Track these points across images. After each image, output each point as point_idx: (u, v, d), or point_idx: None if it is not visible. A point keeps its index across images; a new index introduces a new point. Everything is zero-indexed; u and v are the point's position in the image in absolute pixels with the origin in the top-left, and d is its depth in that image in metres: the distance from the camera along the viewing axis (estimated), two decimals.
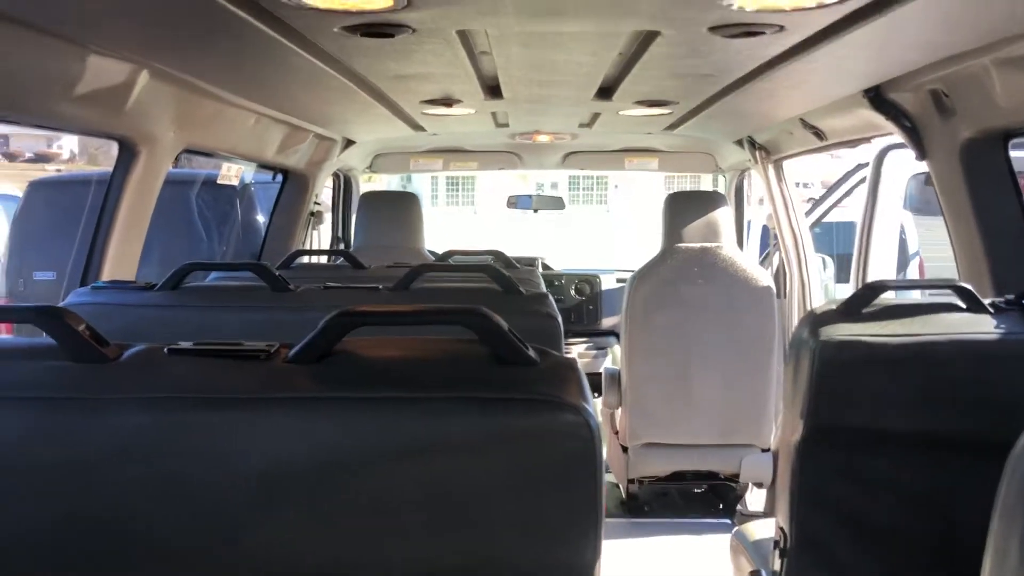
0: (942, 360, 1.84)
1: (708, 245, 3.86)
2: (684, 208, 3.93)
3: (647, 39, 1.95)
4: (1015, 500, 1.06)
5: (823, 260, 5.22)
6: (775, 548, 2.10)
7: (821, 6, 1.55)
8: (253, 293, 2.08)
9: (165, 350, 1.11)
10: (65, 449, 0.97)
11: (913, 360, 1.84)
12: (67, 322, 1.06)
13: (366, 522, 1.05)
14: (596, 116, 3.44)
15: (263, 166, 3.63)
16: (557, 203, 5.67)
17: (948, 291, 1.98)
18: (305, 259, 3.53)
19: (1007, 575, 0.99)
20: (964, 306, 1.91)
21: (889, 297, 1.98)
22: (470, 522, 1.07)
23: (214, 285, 2.29)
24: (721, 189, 5.18)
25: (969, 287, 1.91)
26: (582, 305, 5.07)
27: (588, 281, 5.11)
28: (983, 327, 1.86)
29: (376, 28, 1.73)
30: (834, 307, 1.94)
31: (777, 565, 2.00)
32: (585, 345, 4.97)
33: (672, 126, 3.61)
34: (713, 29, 1.75)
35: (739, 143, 4.04)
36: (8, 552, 0.97)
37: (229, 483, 1.03)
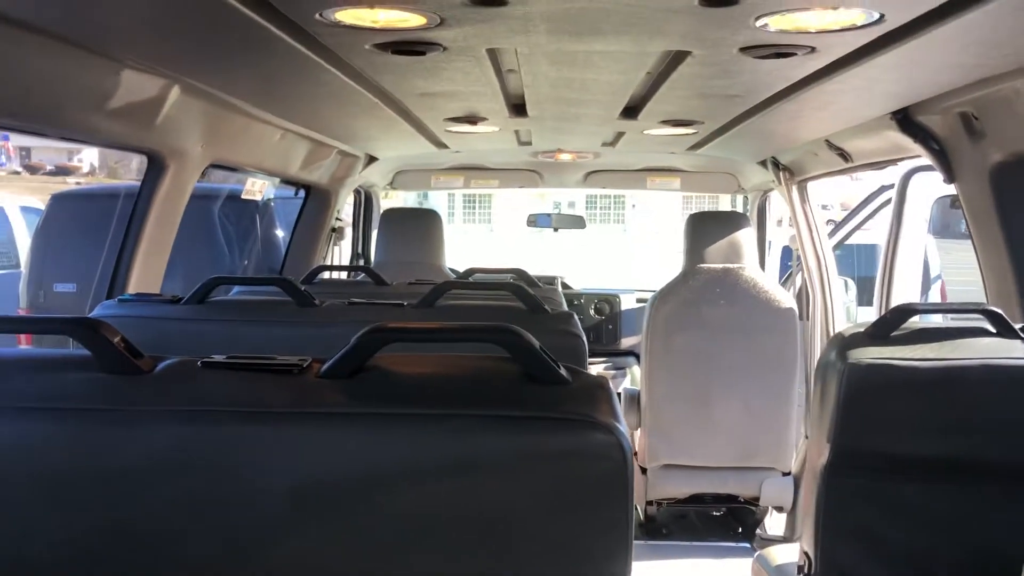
0: (972, 385, 1.82)
1: (730, 266, 3.85)
2: (706, 229, 3.92)
3: (677, 58, 1.95)
4: None
5: (845, 282, 5.18)
6: (799, 573, 2.07)
7: (853, 28, 1.55)
8: (278, 307, 2.09)
9: (198, 363, 1.11)
10: (101, 460, 0.97)
11: (943, 384, 1.82)
12: (103, 334, 1.07)
13: (397, 538, 1.04)
14: (620, 135, 3.44)
15: (287, 181, 3.65)
16: (578, 222, 5.67)
17: (977, 315, 1.96)
18: (327, 274, 3.55)
19: None
20: (994, 331, 1.89)
21: (915, 321, 1.96)
22: (500, 540, 1.07)
23: (240, 299, 2.30)
24: (740, 210, 5.17)
25: (999, 311, 1.89)
26: (601, 325, 5.06)
27: (608, 301, 5.09)
28: (1014, 352, 1.84)
29: (408, 46, 1.73)
30: (862, 330, 1.92)
31: None
32: (604, 365, 4.95)
33: (696, 146, 3.60)
34: (744, 50, 1.75)
35: (763, 164, 4.02)
36: (41, 560, 0.97)
37: (262, 496, 1.03)
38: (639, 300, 5.07)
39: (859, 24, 1.52)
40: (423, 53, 1.78)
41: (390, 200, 6.16)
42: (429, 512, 1.06)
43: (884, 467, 1.89)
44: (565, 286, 5.33)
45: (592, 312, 5.08)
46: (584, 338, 2.05)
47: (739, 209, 5.34)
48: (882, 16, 1.47)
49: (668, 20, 1.51)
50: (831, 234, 4.93)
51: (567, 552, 1.06)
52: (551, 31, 1.62)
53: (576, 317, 2.09)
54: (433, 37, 1.67)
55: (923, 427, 1.85)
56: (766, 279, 3.88)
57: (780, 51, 1.73)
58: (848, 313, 4.88)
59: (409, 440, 1.06)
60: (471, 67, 2.01)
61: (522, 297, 2.11)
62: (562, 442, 1.06)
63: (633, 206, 39.94)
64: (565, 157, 4.27)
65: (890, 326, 1.89)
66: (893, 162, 3.03)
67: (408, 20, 1.54)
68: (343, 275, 3.97)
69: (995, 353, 1.84)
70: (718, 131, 3.12)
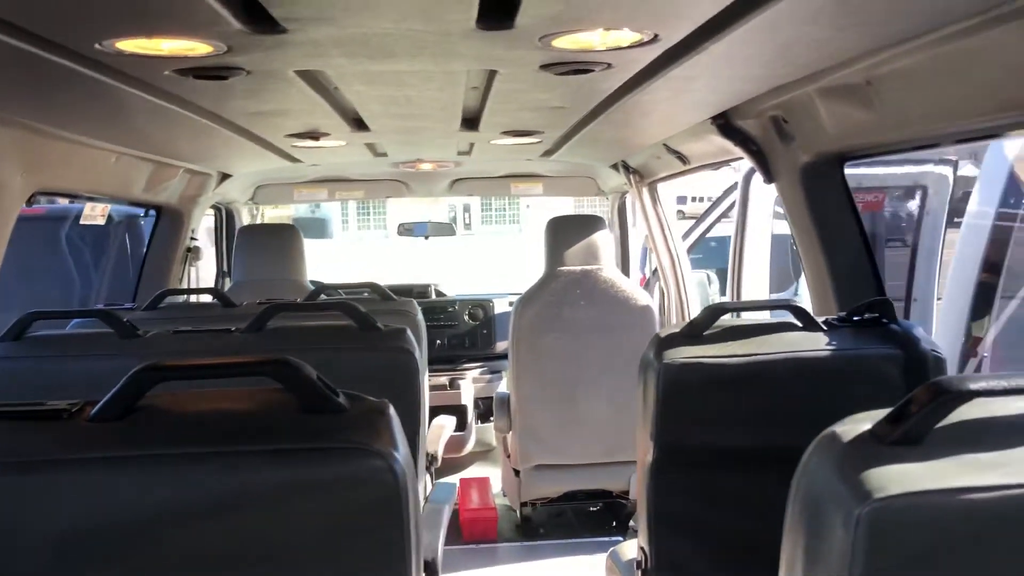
0: (778, 378, 1.92)
1: (589, 268, 3.94)
2: (565, 232, 4.00)
3: (491, 75, 1.98)
4: (799, 516, 1.12)
5: (707, 276, 5.38)
6: (638, 568, 2.15)
7: (640, 44, 1.61)
8: (100, 341, 2.03)
9: None
10: None
11: (751, 379, 1.92)
12: None
13: None
14: (472, 145, 3.47)
15: (133, 203, 3.54)
16: (448, 229, 5.72)
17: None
18: (181, 298, 3.46)
19: None
20: (800, 324, 2.00)
21: (727, 319, 2.06)
22: (279, 572, 1.07)
23: (61, 334, 2.22)
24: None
25: (803, 307, 2.01)
26: (476, 330, 5.09)
27: (481, 306, 5.14)
28: (816, 344, 1.95)
29: (208, 71, 1.71)
30: (678, 330, 2.01)
31: None
32: (480, 370, 4.99)
33: (548, 153, 3.67)
34: (545, 67, 1.80)
35: (615, 167, 4.13)
36: None
37: (24, 549, 1.00)
38: (511, 304, 5.13)
39: (641, 42, 1.58)
40: (226, 78, 1.76)
41: (284, 211, 6.05)
42: (208, 551, 1.06)
43: (703, 461, 1.98)
44: (439, 293, 5.35)
45: (466, 318, 5.11)
46: (417, 352, 2.06)
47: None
48: (656, 36, 1.53)
49: (454, 43, 1.54)
50: (693, 228, 5.11)
51: None
52: (346, 55, 1.63)
53: (409, 333, 2.11)
54: (229, 62, 1.65)
55: (736, 420, 1.95)
56: (624, 279, 3.99)
57: (578, 68, 1.79)
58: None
59: (180, 480, 1.06)
60: (287, 88, 2.00)
61: (354, 316, 2.11)
62: (336, 471, 1.08)
63: (528, 206, 40.30)
64: (426, 167, 4.29)
65: (703, 326, 1.98)
66: (727, 163, 3.16)
67: (195, 48, 1.52)
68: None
69: (798, 346, 1.95)
70: (561, 139, 3.19)
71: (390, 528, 1.08)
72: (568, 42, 1.55)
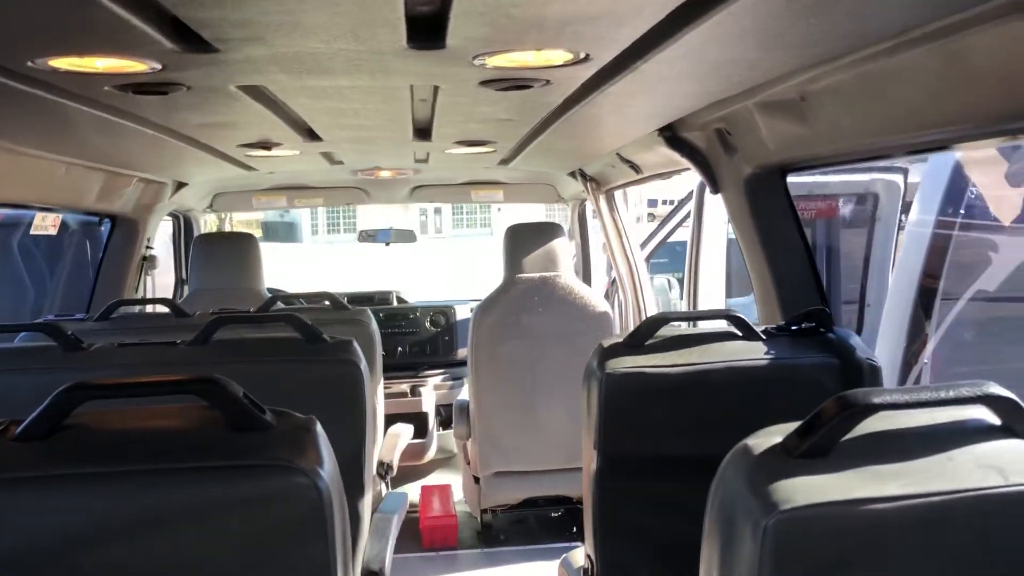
0: (717, 387, 1.96)
1: (547, 274, 3.97)
2: (524, 239, 4.03)
3: (435, 89, 2.00)
4: (714, 524, 1.16)
5: (668, 281, 5.43)
6: (585, 575, 2.18)
7: (574, 63, 1.64)
8: (42, 354, 2.03)
9: None
10: None
11: (690, 388, 1.96)
12: None
13: None
14: (428, 153, 3.49)
15: (86, 213, 3.51)
16: (409, 236, 5.72)
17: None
18: (136, 308, 3.44)
19: None
20: (740, 334, 2.04)
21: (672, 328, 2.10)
22: None
23: (4, 347, 2.21)
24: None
25: (742, 316, 2.05)
26: (438, 337, 5.11)
27: (443, 312, 5.15)
28: (754, 353, 1.99)
29: (146, 88, 1.72)
30: (620, 340, 2.04)
31: None
32: (441, 377, 5.00)
33: (504, 161, 3.70)
34: (484, 84, 1.82)
35: (572, 175, 4.17)
36: None
37: None
38: (472, 310, 5.15)
39: (573, 61, 1.61)
40: (166, 92, 1.77)
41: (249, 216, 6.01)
42: (129, 570, 1.07)
43: (646, 469, 2.01)
44: (401, 300, 5.35)
45: (428, 324, 5.12)
46: (362, 364, 2.08)
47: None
48: (588, 55, 1.56)
49: (388, 61, 1.56)
50: (654, 233, 5.16)
51: None
52: (284, 71, 1.65)
53: (355, 344, 2.12)
54: (168, 79, 1.66)
55: (676, 429, 1.98)
56: (581, 285, 4.03)
57: (517, 84, 1.82)
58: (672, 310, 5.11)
59: (103, 499, 1.07)
60: (231, 101, 2.00)
61: (299, 328, 2.12)
62: (260, 488, 1.09)
63: (499, 210, 40.32)
64: (385, 174, 4.29)
65: (645, 336, 2.02)
66: (678, 172, 3.20)
67: (130, 66, 1.53)
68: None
69: (737, 355, 1.99)
70: (515, 149, 3.21)
71: (314, 544, 1.09)
72: (502, 60, 1.58)
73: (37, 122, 2.15)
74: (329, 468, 1.14)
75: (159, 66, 1.52)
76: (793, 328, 2.08)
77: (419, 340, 5.03)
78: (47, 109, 1.94)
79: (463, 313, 5.19)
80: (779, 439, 1.13)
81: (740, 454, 1.14)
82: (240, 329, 2.32)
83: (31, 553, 1.04)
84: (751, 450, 1.13)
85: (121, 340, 2.17)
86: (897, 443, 1.10)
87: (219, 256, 3.91)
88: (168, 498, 1.07)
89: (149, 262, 3.86)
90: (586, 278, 5.07)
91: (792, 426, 1.14)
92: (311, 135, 2.78)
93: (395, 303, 5.27)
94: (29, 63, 1.47)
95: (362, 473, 2.03)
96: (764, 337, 2.03)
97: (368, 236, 5.76)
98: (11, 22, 1.28)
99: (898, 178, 4.33)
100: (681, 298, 5.37)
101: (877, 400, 1.08)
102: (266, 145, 2.92)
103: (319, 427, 1.20)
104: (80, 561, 1.05)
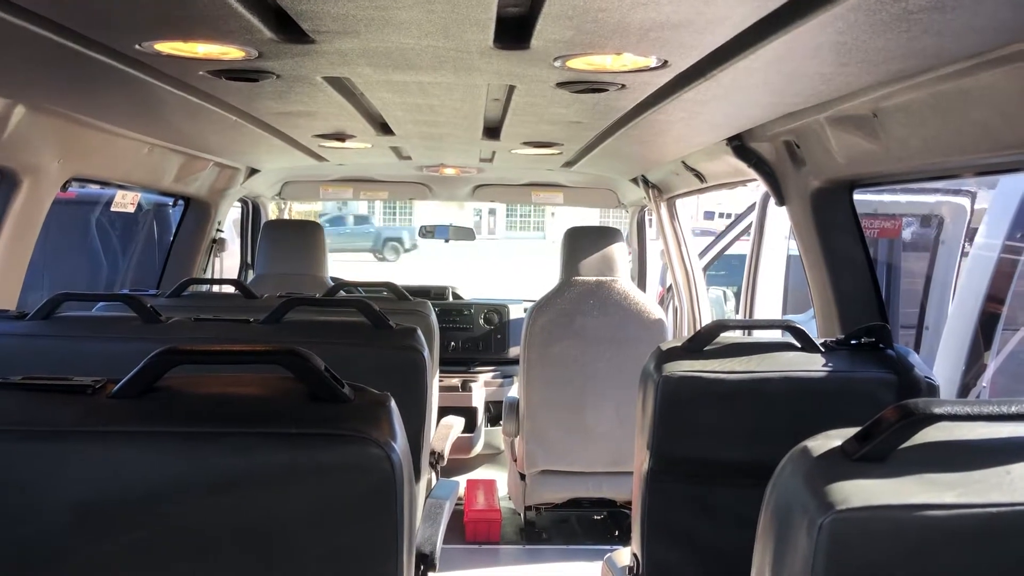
0: (773, 395, 1.98)
1: (603, 278, 4.00)
2: (582, 243, 4.07)
3: (510, 89, 2.06)
4: (769, 522, 1.19)
5: (723, 293, 5.42)
6: (630, 574, 2.21)
7: (651, 69, 1.68)
8: (123, 324, 2.12)
9: None
10: None
11: (746, 395, 1.98)
12: None
13: (178, 553, 1.12)
14: (494, 153, 3.55)
15: (162, 193, 3.65)
16: (469, 234, 5.79)
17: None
18: (204, 287, 3.56)
19: None
20: (799, 345, 2.06)
21: (733, 335, 2.12)
22: (278, 552, 1.15)
23: (86, 315, 2.32)
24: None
25: (802, 328, 2.06)
26: (491, 334, 5.17)
27: (497, 310, 5.21)
28: (812, 365, 2.00)
29: (240, 74, 1.80)
30: (679, 344, 2.07)
31: None
32: (492, 374, 5.06)
33: (568, 163, 3.74)
34: (561, 85, 1.87)
35: (635, 181, 4.19)
36: None
37: (48, 512, 1.09)
38: (527, 310, 5.20)
39: (651, 67, 1.65)
40: (257, 80, 1.85)
41: (307, 207, 6.14)
42: (210, 527, 1.13)
43: (698, 472, 2.04)
44: (456, 296, 5.43)
45: (482, 322, 5.18)
46: (425, 353, 2.14)
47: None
48: (666, 62, 1.60)
49: (473, 59, 1.61)
50: (712, 245, 5.15)
51: (337, 559, 1.15)
52: (372, 64, 1.71)
53: (419, 332, 2.18)
54: (261, 66, 1.74)
55: (730, 434, 2.00)
56: (637, 291, 4.05)
57: (593, 87, 1.86)
58: None
59: (188, 457, 1.14)
60: (315, 92, 2.08)
61: (367, 313, 2.19)
62: (335, 457, 1.15)
63: (552, 214, 40.36)
64: (449, 171, 4.37)
65: (704, 341, 2.04)
66: (743, 183, 3.21)
67: (228, 52, 1.61)
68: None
69: (795, 366, 2.00)
70: (581, 152, 3.25)
71: (384, 513, 1.15)
72: (582, 63, 1.62)
73: (131, 103, 2.26)
74: (401, 443, 1.19)
75: (256, 53, 1.60)
76: (852, 342, 2.09)
77: (472, 336, 5.09)
78: (142, 90, 2.04)
79: (516, 312, 5.25)
80: (838, 443, 1.15)
81: (799, 454, 1.17)
82: (307, 312, 2.40)
83: (116, 501, 1.11)
84: (810, 451, 1.15)
85: (192, 316, 2.26)
86: (955, 454, 1.12)
87: (286, 242, 4.02)
88: (249, 461, 1.14)
89: (218, 244, 3.99)
90: (641, 284, 5.08)
91: (851, 431, 1.17)
92: (384, 129, 2.86)
93: (451, 299, 5.35)
94: (137, 46, 1.56)
95: (419, 458, 2.08)
96: (823, 349, 2.04)
97: (428, 232, 5.85)
98: (127, 7, 1.37)
99: (965, 201, 4.27)
100: (736, 311, 5.36)
101: (938, 410, 1.09)
102: (340, 136, 3.00)
103: (393, 403, 1.26)
104: (161, 511, 1.12)
